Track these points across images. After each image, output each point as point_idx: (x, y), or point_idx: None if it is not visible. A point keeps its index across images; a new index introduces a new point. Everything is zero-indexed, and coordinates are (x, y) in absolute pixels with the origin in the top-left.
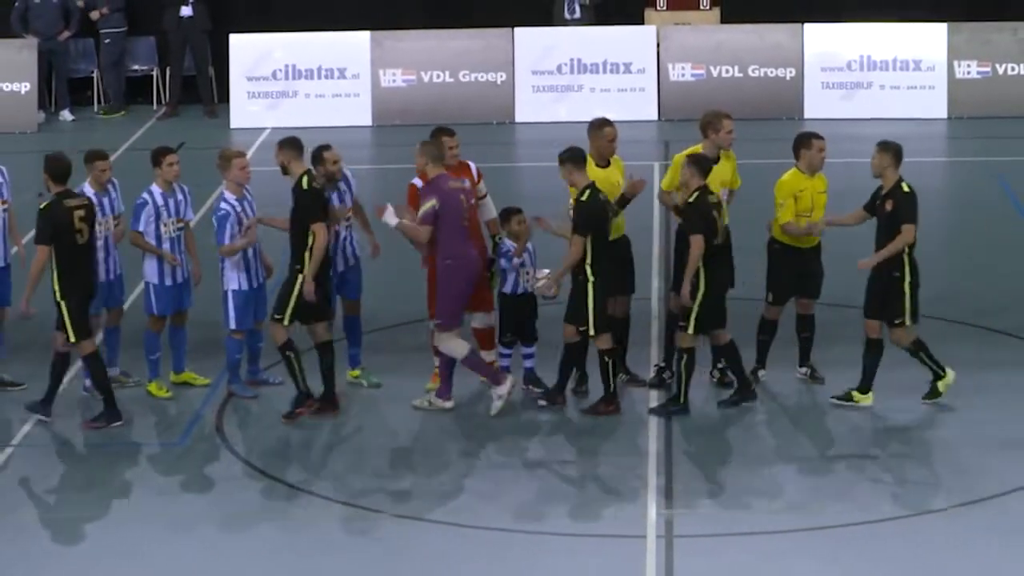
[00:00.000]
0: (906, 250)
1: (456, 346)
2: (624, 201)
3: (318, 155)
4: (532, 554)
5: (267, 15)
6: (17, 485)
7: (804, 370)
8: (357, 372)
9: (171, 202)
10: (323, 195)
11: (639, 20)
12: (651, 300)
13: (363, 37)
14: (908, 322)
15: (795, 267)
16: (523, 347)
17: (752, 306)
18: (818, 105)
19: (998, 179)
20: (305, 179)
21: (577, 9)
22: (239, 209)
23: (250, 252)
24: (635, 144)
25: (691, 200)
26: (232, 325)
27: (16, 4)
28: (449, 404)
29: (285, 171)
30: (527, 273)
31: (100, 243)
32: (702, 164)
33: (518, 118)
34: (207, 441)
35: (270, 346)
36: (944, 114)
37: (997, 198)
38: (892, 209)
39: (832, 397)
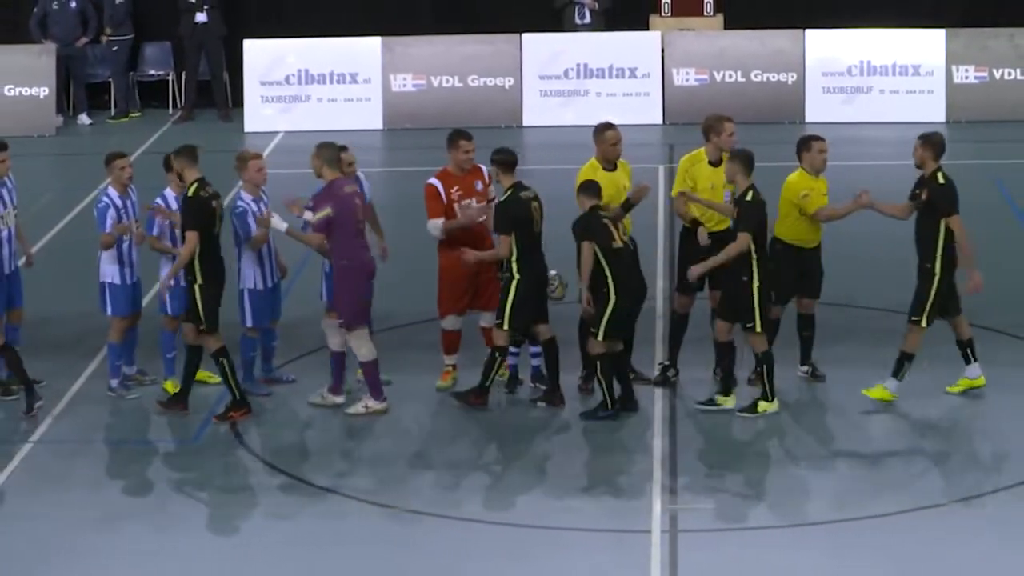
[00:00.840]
0: (754, 255)
1: (364, 349)
2: (628, 206)
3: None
4: (542, 548)
5: (280, 21)
6: (36, 481)
7: (805, 368)
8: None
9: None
10: (208, 205)
11: (644, 26)
12: (656, 300)
13: (374, 42)
14: (759, 328)
15: (796, 267)
16: (531, 346)
17: None
18: (819, 109)
19: (995, 182)
20: (193, 187)
21: (587, 15)
22: (255, 209)
23: (265, 252)
24: (640, 147)
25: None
26: (248, 323)
27: (35, 10)
28: (383, 405)
29: (181, 178)
30: None
31: (125, 247)
32: (590, 190)
33: (526, 122)
34: (222, 438)
35: (284, 345)
36: (942, 118)
37: (994, 200)
38: (735, 217)
39: (739, 411)
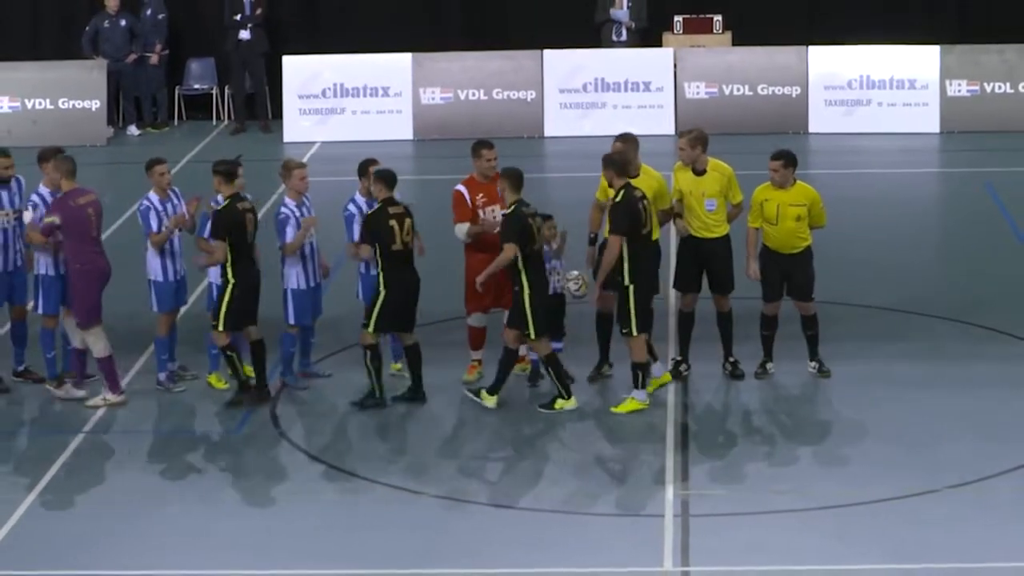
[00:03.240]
0: (522, 267)
1: (100, 344)
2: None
3: (364, 169)
4: (562, 532)
5: (317, 39)
6: (90, 467)
7: (813, 364)
8: (399, 365)
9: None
10: None
11: (658, 43)
12: (668, 299)
13: (405, 58)
14: (533, 335)
15: (778, 269)
16: (552, 342)
17: (755, 304)
18: (821, 121)
19: (986, 188)
20: None
21: (624, 32)
22: (298, 214)
23: (307, 253)
24: (654, 157)
25: (372, 212)
26: (291, 320)
27: (87, 29)
28: (120, 398)
29: None
30: (558, 274)
31: (167, 247)
32: (384, 180)
33: (547, 133)
34: (263, 429)
35: (321, 341)
36: (937, 129)
37: (986, 206)
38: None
39: (540, 406)
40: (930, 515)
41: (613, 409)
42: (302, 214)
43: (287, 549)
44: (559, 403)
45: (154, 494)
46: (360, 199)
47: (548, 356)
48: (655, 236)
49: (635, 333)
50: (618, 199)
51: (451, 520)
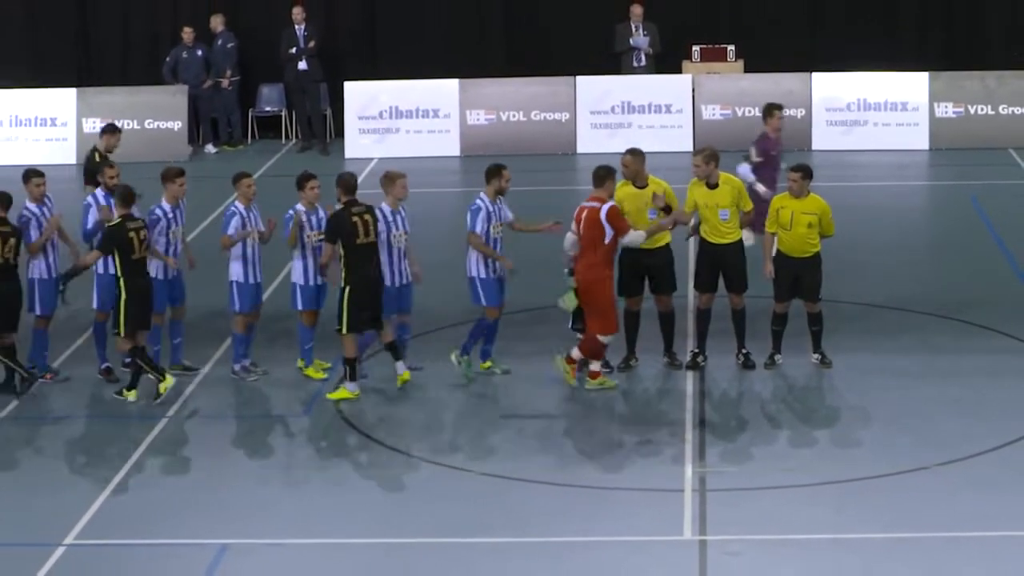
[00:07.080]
0: (120, 275)
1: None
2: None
3: (497, 171)
4: (592, 505)
5: (375, 66)
6: (173, 447)
7: (816, 356)
8: (488, 364)
9: (313, 219)
10: None
11: (677, 70)
12: (687, 298)
13: (453, 84)
14: (122, 333)
15: (789, 272)
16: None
17: (766, 303)
18: (823, 139)
19: (971, 200)
20: None
21: (643, 59)
22: (391, 220)
23: (396, 256)
24: (674, 171)
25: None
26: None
27: (167, 59)
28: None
29: None
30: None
31: (250, 251)
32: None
33: (579, 150)
34: (327, 414)
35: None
36: (926, 146)
37: (970, 216)
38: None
39: (115, 392)
40: (921, 489)
41: (327, 395)
42: (394, 220)
43: (348, 520)
44: (125, 393)
45: (228, 471)
46: (486, 199)
47: (131, 349)
48: (662, 241)
49: (345, 331)
50: (333, 213)
51: (495, 495)
